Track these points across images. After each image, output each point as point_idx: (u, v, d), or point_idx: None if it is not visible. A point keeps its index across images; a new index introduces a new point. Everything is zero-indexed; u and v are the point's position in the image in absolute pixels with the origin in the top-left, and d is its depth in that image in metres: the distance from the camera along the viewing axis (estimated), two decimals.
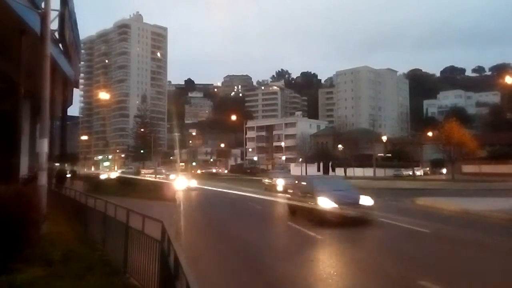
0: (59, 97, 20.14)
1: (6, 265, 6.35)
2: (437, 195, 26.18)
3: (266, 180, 36.49)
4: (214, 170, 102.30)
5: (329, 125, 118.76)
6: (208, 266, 8.46)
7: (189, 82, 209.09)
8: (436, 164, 69.11)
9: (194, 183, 34.20)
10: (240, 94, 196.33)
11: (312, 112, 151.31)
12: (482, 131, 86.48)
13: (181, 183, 32.81)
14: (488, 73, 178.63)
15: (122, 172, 63.88)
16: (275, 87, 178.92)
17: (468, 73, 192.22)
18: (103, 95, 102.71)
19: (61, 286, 6.00)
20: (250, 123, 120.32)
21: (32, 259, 6.88)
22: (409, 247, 10.40)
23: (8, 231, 6.35)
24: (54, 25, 13.84)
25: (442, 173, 64.81)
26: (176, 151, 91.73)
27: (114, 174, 51.94)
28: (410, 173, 62.61)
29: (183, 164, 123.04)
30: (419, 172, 67.30)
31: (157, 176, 49.44)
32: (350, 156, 74.43)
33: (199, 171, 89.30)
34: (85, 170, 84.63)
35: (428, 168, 72.15)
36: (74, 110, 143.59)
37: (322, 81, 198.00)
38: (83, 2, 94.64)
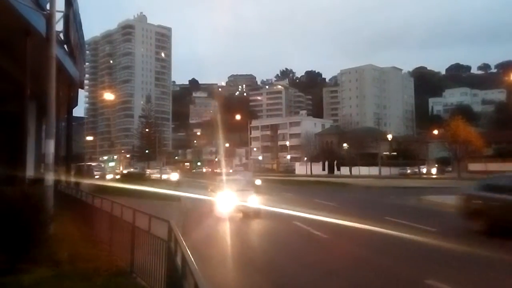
0: (65, 98, 20.22)
1: (14, 265, 6.39)
2: (443, 193, 25.92)
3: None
4: (204, 170, 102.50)
5: (334, 124, 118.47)
6: None
7: (194, 82, 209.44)
8: (442, 163, 68.71)
9: (253, 200, 16.34)
10: (245, 94, 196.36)
11: (316, 111, 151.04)
12: (488, 128, 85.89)
13: (228, 200, 16.29)
14: (493, 70, 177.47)
15: (128, 173, 60.53)
16: (280, 86, 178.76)
17: (474, 70, 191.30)
18: (108, 96, 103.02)
19: (68, 286, 6.02)
20: (254, 123, 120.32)
21: (39, 259, 6.90)
22: (411, 246, 10.26)
23: (15, 232, 6.38)
24: (59, 26, 13.90)
25: (448, 171, 64.28)
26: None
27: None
28: (417, 171, 62.49)
29: (188, 164, 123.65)
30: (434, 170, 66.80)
31: (162, 176, 49.09)
32: (355, 154, 74.28)
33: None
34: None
35: (437, 165, 71.24)
36: (79, 110, 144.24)
37: (327, 80, 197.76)
38: (87, 3, 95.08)
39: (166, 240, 5.25)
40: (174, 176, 50.84)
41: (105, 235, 8.82)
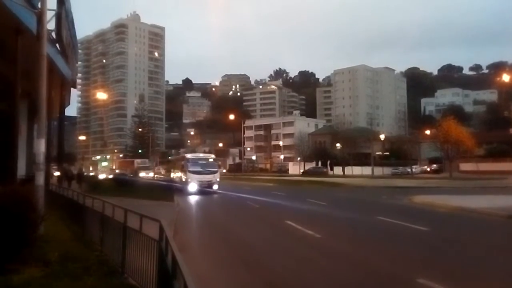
0: (57, 97, 20.10)
1: (3, 265, 6.33)
2: (435, 193, 26.13)
3: None
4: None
5: (327, 124, 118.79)
6: None
7: (187, 81, 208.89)
8: (434, 162, 69.28)
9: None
10: (238, 94, 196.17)
11: (310, 111, 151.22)
12: (479, 129, 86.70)
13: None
14: (485, 71, 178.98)
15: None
16: (273, 86, 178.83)
17: (466, 71, 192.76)
18: (101, 95, 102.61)
19: (58, 286, 5.98)
20: (248, 122, 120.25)
21: (29, 259, 6.85)
22: (404, 244, 10.39)
23: (5, 232, 6.33)
24: (51, 25, 13.78)
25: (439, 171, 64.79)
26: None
27: None
28: (409, 170, 63.01)
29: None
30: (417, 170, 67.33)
31: (156, 176, 48.94)
32: (348, 154, 74.59)
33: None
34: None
35: (426, 166, 71.84)
36: (71, 110, 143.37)
37: (320, 80, 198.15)
38: (80, 1, 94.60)
39: (157, 240, 5.24)
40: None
41: (96, 234, 8.78)
